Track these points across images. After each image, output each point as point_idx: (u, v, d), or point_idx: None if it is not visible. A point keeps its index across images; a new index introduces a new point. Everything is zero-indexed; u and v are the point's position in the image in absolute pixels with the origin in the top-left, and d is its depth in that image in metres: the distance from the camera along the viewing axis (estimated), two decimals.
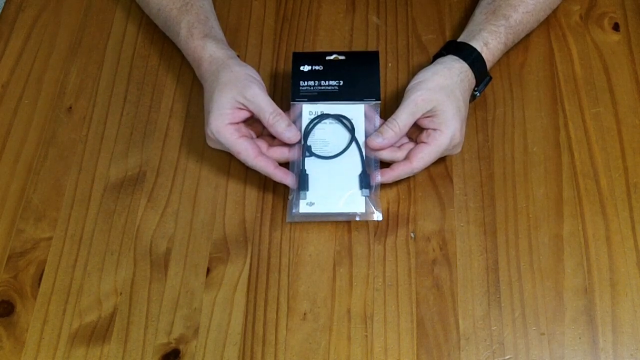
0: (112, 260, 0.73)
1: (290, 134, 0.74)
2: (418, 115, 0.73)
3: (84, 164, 0.80)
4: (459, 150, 0.76)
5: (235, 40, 0.87)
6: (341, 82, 0.78)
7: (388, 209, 0.75)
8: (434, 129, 0.73)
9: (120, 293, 0.71)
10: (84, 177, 0.79)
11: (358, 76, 0.78)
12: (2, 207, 0.77)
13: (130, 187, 0.78)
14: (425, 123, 0.73)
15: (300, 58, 0.80)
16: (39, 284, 0.72)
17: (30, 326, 0.70)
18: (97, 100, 0.84)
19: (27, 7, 0.92)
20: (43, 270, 0.73)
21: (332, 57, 0.80)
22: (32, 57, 0.88)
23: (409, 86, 0.75)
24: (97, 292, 0.72)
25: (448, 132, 0.72)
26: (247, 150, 0.73)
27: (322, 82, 0.78)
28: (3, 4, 0.92)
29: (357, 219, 0.74)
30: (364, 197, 0.73)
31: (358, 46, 0.87)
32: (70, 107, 0.84)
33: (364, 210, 0.72)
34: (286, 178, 0.73)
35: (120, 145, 0.81)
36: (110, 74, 0.86)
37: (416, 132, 0.75)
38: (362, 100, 0.77)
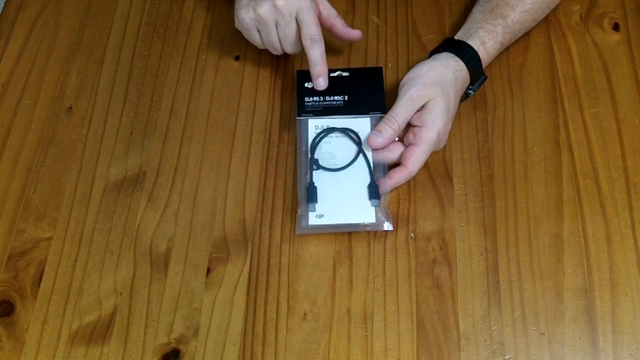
0: (112, 260, 0.73)
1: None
2: (414, 111, 0.73)
3: (84, 164, 0.80)
4: (442, 145, 0.77)
5: (235, 40, 0.87)
6: (346, 97, 0.79)
7: (389, 209, 0.75)
8: (420, 126, 0.73)
9: (120, 293, 0.71)
10: (84, 177, 0.79)
11: (363, 91, 0.79)
12: (2, 207, 0.77)
13: (130, 187, 0.78)
14: (412, 118, 0.74)
15: (304, 75, 0.81)
16: (39, 284, 0.72)
17: (30, 326, 0.70)
18: (97, 100, 0.84)
19: (27, 7, 0.92)
20: (43, 270, 0.73)
21: (335, 74, 0.80)
22: (32, 57, 0.88)
23: (404, 80, 0.75)
24: (97, 292, 0.72)
25: (434, 129, 0.73)
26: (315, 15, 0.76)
27: (327, 98, 0.79)
28: (3, 4, 0.93)
29: (368, 229, 0.73)
30: (373, 208, 0.73)
31: (358, 46, 0.87)
32: (70, 107, 0.84)
33: (374, 221, 0.72)
34: (323, 73, 0.78)
35: (120, 145, 0.81)
36: (110, 74, 0.86)
37: (402, 131, 0.75)
38: (368, 114, 0.77)
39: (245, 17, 0.78)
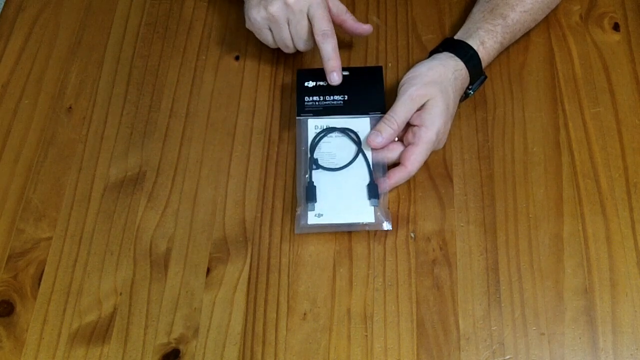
0: (112, 260, 0.73)
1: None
2: (414, 110, 0.73)
3: (84, 164, 0.80)
4: (442, 145, 0.77)
5: (235, 40, 0.87)
6: (346, 97, 0.79)
7: (388, 209, 0.75)
8: (419, 126, 0.73)
9: (120, 293, 0.71)
10: (84, 177, 0.79)
11: (363, 90, 0.79)
12: (2, 207, 0.77)
13: (130, 187, 0.78)
14: (412, 118, 0.74)
15: (304, 74, 0.81)
16: (39, 284, 0.72)
17: (30, 326, 0.70)
18: (97, 100, 0.84)
19: (27, 7, 0.92)
20: (43, 270, 0.73)
21: None
22: (32, 57, 0.88)
23: (404, 79, 0.75)
24: (97, 292, 0.72)
25: (433, 128, 0.73)
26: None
27: (327, 97, 0.79)
28: (3, 4, 0.93)
29: (367, 229, 0.73)
30: (372, 207, 0.73)
31: (358, 46, 0.87)
32: (70, 107, 0.84)
33: (373, 220, 0.72)
34: (337, 68, 0.77)
35: (120, 145, 0.81)
36: (110, 74, 0.86)
37: (401, 131, 0.75)
38: (367, 114, 0.77)
39: (256, 16, 0.78)
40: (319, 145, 0.76)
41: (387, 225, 0.73)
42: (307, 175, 0.74)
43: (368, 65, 0.85)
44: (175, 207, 0.76)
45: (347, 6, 0.90)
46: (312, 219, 0.72)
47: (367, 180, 0.74)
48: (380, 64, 0.85)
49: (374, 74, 0.81)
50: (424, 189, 0.76)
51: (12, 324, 0.70)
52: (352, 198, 0.73)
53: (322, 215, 0.72)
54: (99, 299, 0.71)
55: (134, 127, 0.82)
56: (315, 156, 0.75)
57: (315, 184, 0.74)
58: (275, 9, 0.76)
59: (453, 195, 0.76)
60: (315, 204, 0.73)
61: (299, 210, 0.73)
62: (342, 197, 0.73)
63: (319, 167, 0.75)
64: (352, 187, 0.74)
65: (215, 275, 0.72)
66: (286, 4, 0.76)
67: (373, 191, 0.73)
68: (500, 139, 0.79)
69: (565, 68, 0.84)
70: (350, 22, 0.82)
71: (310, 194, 0.73)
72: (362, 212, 0.72)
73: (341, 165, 0.75)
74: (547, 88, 0.83)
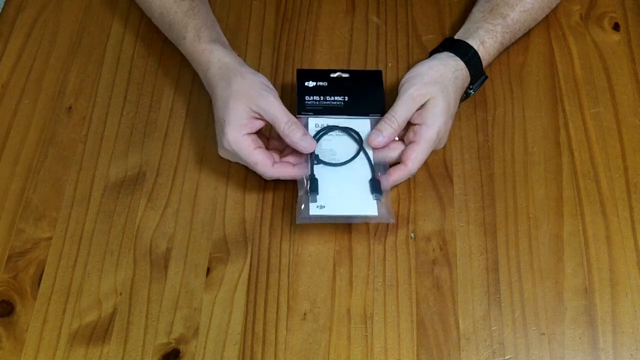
0: (112, 260, 0.73)
1: (306, 144, 0.73)
2: (414, 110, 0.73)
3: (83, 164, 0.80)
4: (442, 145, 0.76)
5: (235, 40, 0.87)
6: (346, 98, 0.78)
7: (390, 203, 0.75)
8: (420, 124, 0.73)
9: (120, 293, 0.71)
10: (84, 177, 0.79)
11: (363, 92, 0.79)
12: (2, 207, 0.77)
13: (130, 187, 0.78)
14: (413, 117, 0.74)
15: (304, 75, 0.80)
16: (39, 284, 0.72)
17: (30, 326, 0.70)
18: (97, 100, 0.84)
19: (27, 7, 0.92)
20: (43, 270, 0.73)
21: (335, 75, 0.80)
22: (32, 57, 0.88)
23: (404, 79, 0.75)
24: (97, 292, 0.72)
25: (434, 127, 0.72)
26: (265, 160, 0.72)
27: (328, 97, 0.78)
28: (3, 4, 0.92)
29: (369, 222, 0.73)
30: (375, 201, 0.72)
31: (358, 46, 0.87)
32: (70, 107, 0.84)
33: (376, 214, 0.71)
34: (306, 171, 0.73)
35: (120, 145, 0.81)
36: (110, 74, 0.86)
37: (402, 130, 0.75)
38: (368, 115, 0.77)
39: (226, 157, 0.76)
40: (319, 143, 0.76)
41: (390, 218, 0.72)
42: (308, 169, 0.74)
43: (368, 65, 0.85)
44: (175, 207, 0.76)
45: (346, 6, 0.90)
46: (314, 210, 0.71)
47: (368, 176, 0.73)
48: (380, 65, 0.85)
49: (374, 78, 0.81)
50: (424, 189, 0.76)
51: (12, 324, 0.70)
52: (354, 191, 0.73)
53: (324, 207, 0.72)
54: (99, 299, 0.71)
55: (134, 127, 0.82)
56: (316, 153, 0.75)
57: (316, 177, 0.73)
58: (223, 154, 0.75)
59: (453, 195, 0.76)
60: (317, 196, 0.72)
61: (300, 200, 0.72)
62: (344, 190, 0.73)
63: (320, 162, 0.74)
64: (354, 182, 0.73)
65: (215, 275, 0.72)
66: (224, 149, 0.74)
67: (375, 186, 0.73)
68: (500, 139, 0.79)
69: (565, 68, 0.84)
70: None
71: (312, 185, 0.72)
72: (366, 204, 0.72)
73: (343, 161, 0.74)
74: (547, 88, 0.83)
